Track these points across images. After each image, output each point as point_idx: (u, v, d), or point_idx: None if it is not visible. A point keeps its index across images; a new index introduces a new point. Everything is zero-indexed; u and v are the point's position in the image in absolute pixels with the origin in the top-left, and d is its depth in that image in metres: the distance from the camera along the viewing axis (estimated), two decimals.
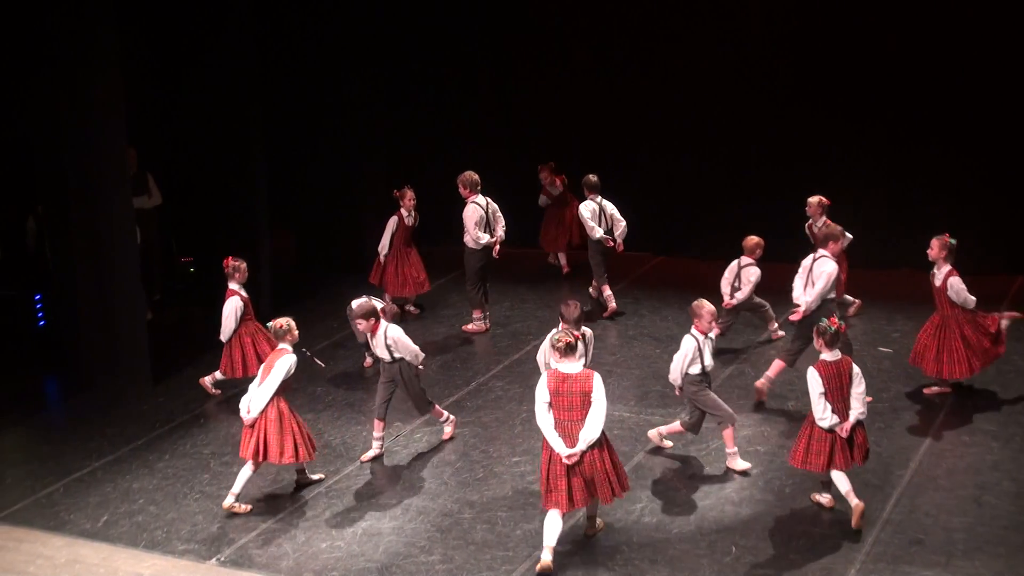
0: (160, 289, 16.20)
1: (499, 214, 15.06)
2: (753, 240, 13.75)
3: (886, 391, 12.81)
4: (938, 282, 12.31)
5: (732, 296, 13.85)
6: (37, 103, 13.34)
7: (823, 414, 9.96)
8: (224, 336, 13.17)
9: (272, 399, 10.83)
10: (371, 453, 11.87)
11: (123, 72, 13.53)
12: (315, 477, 11.43)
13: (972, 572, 9.40)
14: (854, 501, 10.05)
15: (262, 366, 11.18)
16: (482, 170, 15.59)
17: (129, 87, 13.78)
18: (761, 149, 16.71)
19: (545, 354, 10.71)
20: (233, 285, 13.10)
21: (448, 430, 12.20)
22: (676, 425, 11.53)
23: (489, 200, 15.00)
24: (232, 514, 10.80)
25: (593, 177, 15.43)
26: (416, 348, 11.71)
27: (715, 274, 16.13)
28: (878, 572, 9.46)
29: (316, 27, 17.20)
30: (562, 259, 17.47)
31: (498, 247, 15.01)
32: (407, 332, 11.69)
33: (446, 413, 12.22)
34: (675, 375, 11.14)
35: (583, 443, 9.50)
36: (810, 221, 14.22)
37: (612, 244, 15.32)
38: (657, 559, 9.83)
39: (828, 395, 9.96)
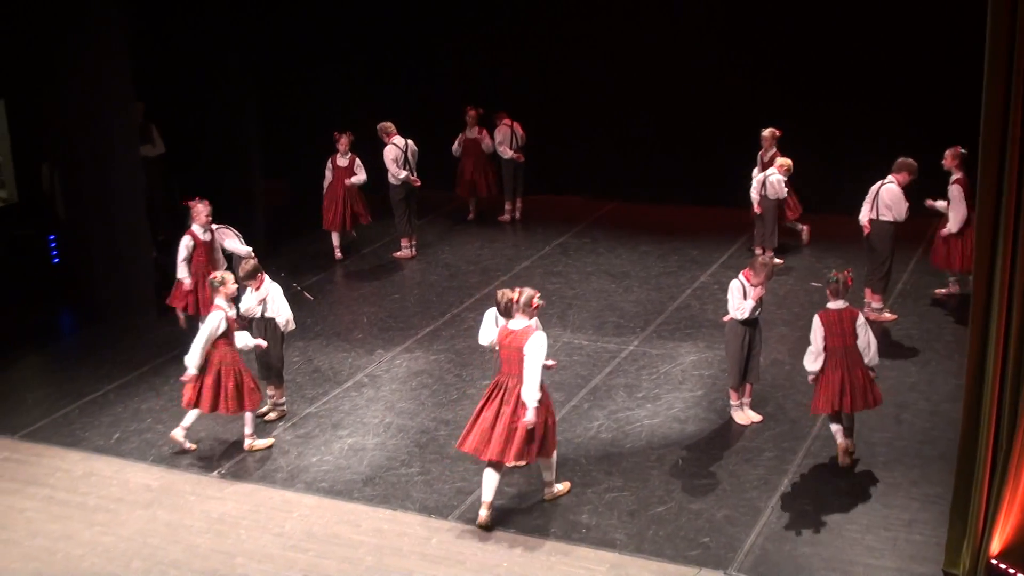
0: (164, 230, 16.04)
1: (416, 154, 15.45)
2: (788, 162, 14.25)
3: None
4: (950, 184, 12.64)
5: (759, 204, 14.28)
6: (49, 61, 13.17)
7: (814, 364, 9.61)
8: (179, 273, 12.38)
9: (203, 353, 10.17)
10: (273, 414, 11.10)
11: (128, 34, 13.36)
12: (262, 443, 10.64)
13: (891, 481, 9.53)
14: (840, 440, 9.76)
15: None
16: (454, 117, 15.75)
17: (135, 47, 13.62)
18: (712, 99, 16.61)
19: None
20: (195, 227, 12.44)
21: (273, 415, 11.06)
22: (744, 393, 10.72)
23: (409, 141, 15.34)
24: (252, 447, 10.66)
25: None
26: (290, 314, 10.89)
27: (665, 217, 16.14)
28: (808, 482, 9.58)
29: None
30: (471, 206, 17.30)
31: (417, 181, 15.35)
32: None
33: (284, 399, 11.17)
34: (734, 312, 10.31)
35: (530, 402, 8.83)
36: (761, 151, 14.53)
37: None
38: (612, 471, 9.92)
39: (829, 340, 9.50)
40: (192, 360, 10.27)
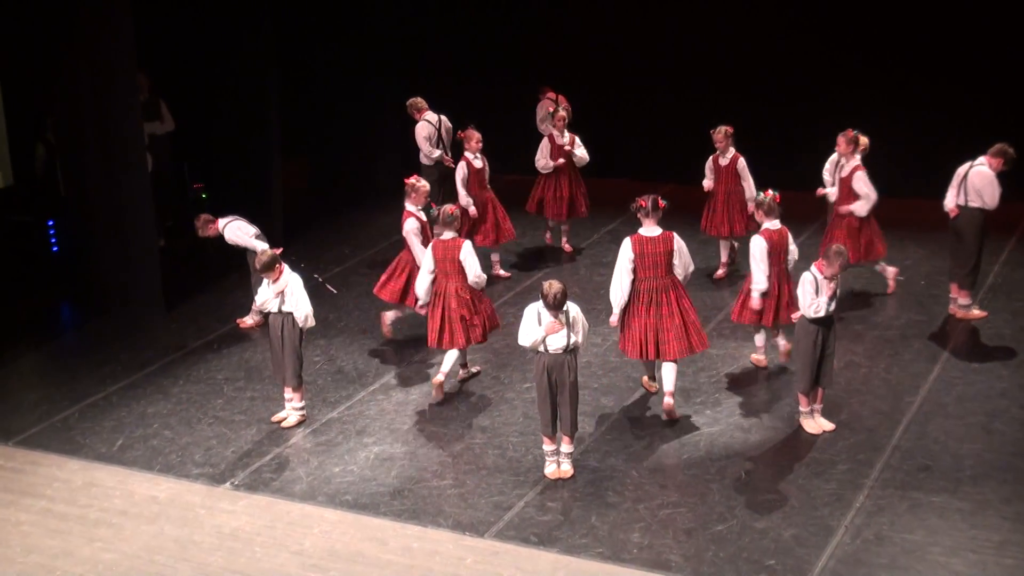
0: (172, 216, 16.18)
1: (451, 131, 15.22)
2: (865, 140, 13.94)
3: (897, 319, 12.80)
4: (844, 173, 12.88)
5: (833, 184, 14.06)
6: (43, 30, 13.27)
7: (762, 280, 11.14)
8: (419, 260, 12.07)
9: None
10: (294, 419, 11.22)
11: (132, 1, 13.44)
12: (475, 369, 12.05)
13: (980, 498, 9.43)
14: (782, 343, 11.62)
15: (431, 258, 11.34)
16: (492, 91, 15.45)
17: (141, 12, 13.69)
18: (774, 80, 16.58)
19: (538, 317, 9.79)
20: (409, 206, 12.33)
21: (294, 419, 11.16)
22: (815, 399, 10.67)
23: (442, 117, 15.19)
24: (256, 439, 10.86)
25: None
26: (310, 309, 10.97)
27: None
28: (887, 498, 9.50)
29: None
30: (562, 231, 15.45)
31: (451, 161, 15.10)
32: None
33: (304, 403, 11.24)
34: (806, 310, 10.28)
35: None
36: (716, 153, 14.08)
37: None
38: (667, 484, 9.88)
39: (771, 257, 11.09)
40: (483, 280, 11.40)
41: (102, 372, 12.43)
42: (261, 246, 12.34)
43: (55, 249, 14.70)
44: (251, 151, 15.49)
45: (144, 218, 13.72)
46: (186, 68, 15.93)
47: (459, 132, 14.52)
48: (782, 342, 11.60)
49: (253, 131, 15.55)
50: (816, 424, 10.62)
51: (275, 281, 10.87)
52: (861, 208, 12.79)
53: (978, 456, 10.05)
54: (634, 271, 10.67)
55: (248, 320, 13.39)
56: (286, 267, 10.97)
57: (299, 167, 17.81)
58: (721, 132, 13.97)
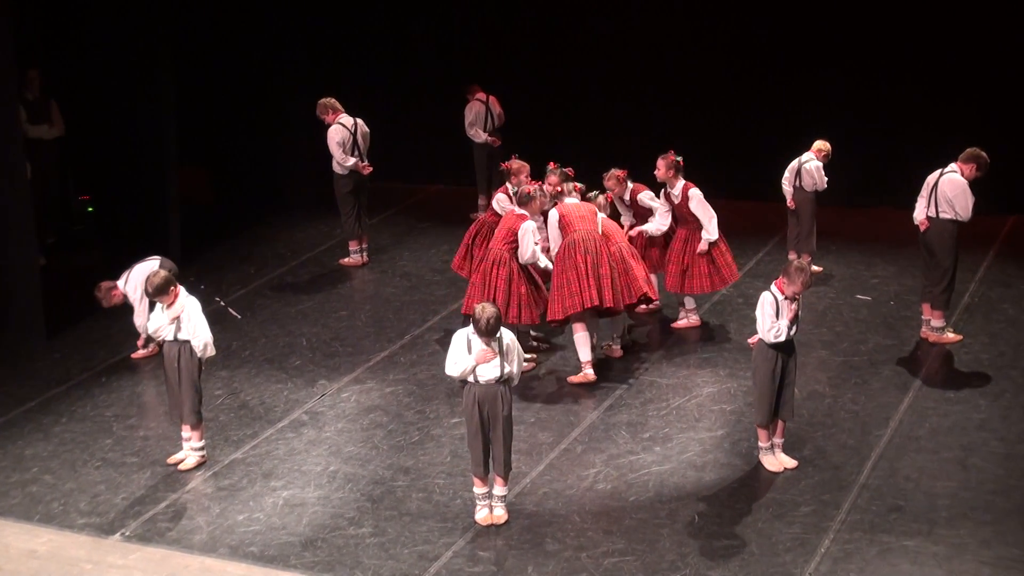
0: (55, 231, 16.00)
1: (368, 136, 15.31)
2: (827, 146, 14.35)
3: (864, 343, 12.91)
4: (677, 199, 13.04)
5: (793, 199, 14.37)
6: None
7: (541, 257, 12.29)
8: (543, 263, 12.37)
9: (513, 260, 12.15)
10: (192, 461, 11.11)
11: None
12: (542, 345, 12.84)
13: (957, 541, 9.51)
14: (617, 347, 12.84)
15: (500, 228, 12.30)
16: (413, 90, 15.60)
17: (33, 4, 13.55)
18: (733, 89, 16.77)
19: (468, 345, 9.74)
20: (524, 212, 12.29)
21: (192, 460, 11.06)
22: (776, 432, 10.70)
23: (358, 121, 15.24)
24: (149, 484, 10.74)
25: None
26: (210, 336, 10.87)
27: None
28: (854, 542, 9.56)
29: None
30: None
31: (368, 167, 15.26)
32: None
33: (203, 442, 11.13)
34: (765, 333, 10.26)
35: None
36: (609, 197, 13.24)
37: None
38: (612, 529, 9.89)
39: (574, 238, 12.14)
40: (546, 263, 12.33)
41: None
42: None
43: None
44: (144, 159, 15.36)
45: (22, 233, 13.55)
46: (74, 67, 15.77)
47: (502, 164, 13.76)
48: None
49: (146, 137, 15.42)
50: (777, 461, 10.67)
51: (170, 306, 10.76)
52: (653, 227, 13.25)
53: (954, 495, 10.13)
54: (563, 229, 12.17)
55: (140, 349, 13.25)
56: (182, 290, 10.86)
57: (197, 177, 17.66)
58: (612, 178, 13.39)
